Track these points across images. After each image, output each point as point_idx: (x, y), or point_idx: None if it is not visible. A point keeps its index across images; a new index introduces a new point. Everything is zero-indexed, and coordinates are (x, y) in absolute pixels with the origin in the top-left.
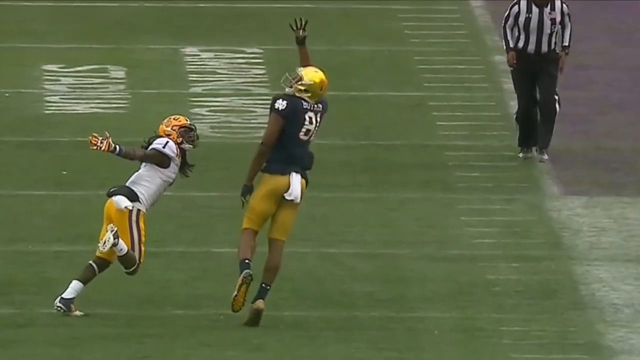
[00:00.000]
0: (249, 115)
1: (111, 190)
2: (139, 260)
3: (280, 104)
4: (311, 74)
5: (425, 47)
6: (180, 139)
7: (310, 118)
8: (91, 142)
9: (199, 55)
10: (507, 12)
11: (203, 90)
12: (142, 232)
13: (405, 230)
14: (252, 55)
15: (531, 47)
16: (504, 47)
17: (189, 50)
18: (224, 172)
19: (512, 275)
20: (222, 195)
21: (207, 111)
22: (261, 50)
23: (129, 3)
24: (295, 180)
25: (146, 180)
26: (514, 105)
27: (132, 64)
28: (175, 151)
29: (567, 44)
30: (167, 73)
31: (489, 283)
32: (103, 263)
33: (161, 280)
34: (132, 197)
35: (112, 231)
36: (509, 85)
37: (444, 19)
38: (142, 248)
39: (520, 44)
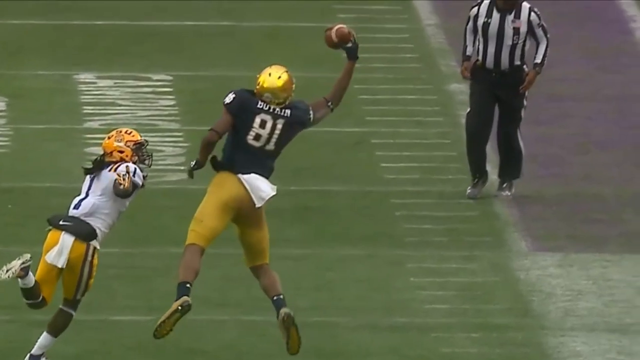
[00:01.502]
0: (156, 155)
1: (61, 222)
2: (79, 295)
3: (228, 97)
4: (263, 73)
5: (367, 73)
6: (135, 157)
7: (264, 122)
8: (119, 182)
9: (95, 83)
10: (468, 14)
11: (100, 125)
12: (94, 269)
13: (344, 293)
14: (160, 83)
15: (490, 61)
16: (462, 54)
17: (83, 77)
18: (127, 224)
19: (472, 348)
20: (124, 252)
21: None
22: (170, 77)
23: (11, 20)
24: (254, 180)
25: (104, 214)
26: None
27: (15, 94)
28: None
29: (539, 60)
30: (58, 104)
31: (444, 357)
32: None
33: (49, 355)
34: (90, 235)
35: (23, 262)
36: None
37: (390, 40)
38: (90, 282)
39: (480, 57)
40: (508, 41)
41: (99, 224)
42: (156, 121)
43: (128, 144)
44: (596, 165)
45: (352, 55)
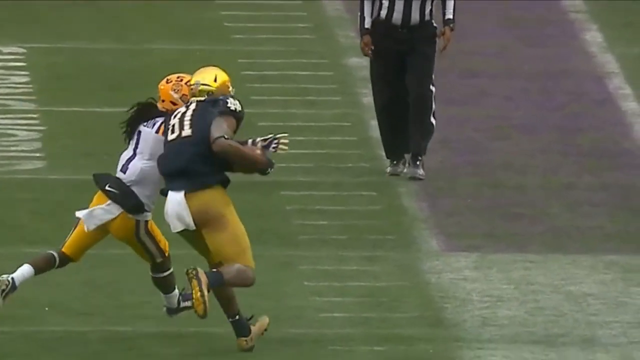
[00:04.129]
0: (9, 140)
1: (108, 187)
2: (158, 258)
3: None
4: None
5: (253, 45)
6: None
7: (177, 112)
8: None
9: None
10: None
11: None
12: (158, 238)
13: None
14: (11, 57)
15: (397, 17)
16: (359, 26)
17: None
18: None
19: None
20: None
21: None
22: (23, 50)
23: None
24: (171, 203)
25: (152, 182)
26: (374, 126)
27: None
28: None
29: (451, 15)
30: None
31: None
32: (65, 260)
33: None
34: (137, 208)
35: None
36: (369, 98)
37: (280, 8)
38: (160, 245)
39: (383, 13)
40: None
41: (147, 193)
42: (7, 101)
43: (184, 97)
44: (517, 153)
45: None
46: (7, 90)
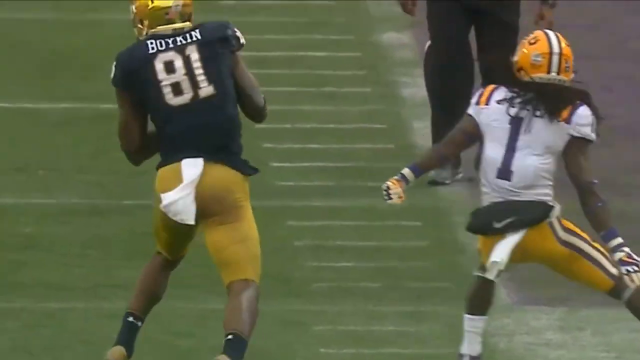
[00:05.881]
0: None
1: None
2: None
3: (112, 73)
4: None
5: (246, 15)
6: None
7: (168, 63)
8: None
9: None
10: None
11: None
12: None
13: None
14: None
15: None
16: None
17: None
18: None
19: None
20: None
21: None
22: None
23: None
24: (187, 168)
25: (548, 178)
26: (419, 129)
27: None
28: None
29: None
30: None
31: None
32: None
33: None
34: (542, 213)
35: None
36: (411, 89)
37: None
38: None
39: None
40: None
41: (545, 191)
42: None
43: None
44: (620, 166)
45: None
46: None
